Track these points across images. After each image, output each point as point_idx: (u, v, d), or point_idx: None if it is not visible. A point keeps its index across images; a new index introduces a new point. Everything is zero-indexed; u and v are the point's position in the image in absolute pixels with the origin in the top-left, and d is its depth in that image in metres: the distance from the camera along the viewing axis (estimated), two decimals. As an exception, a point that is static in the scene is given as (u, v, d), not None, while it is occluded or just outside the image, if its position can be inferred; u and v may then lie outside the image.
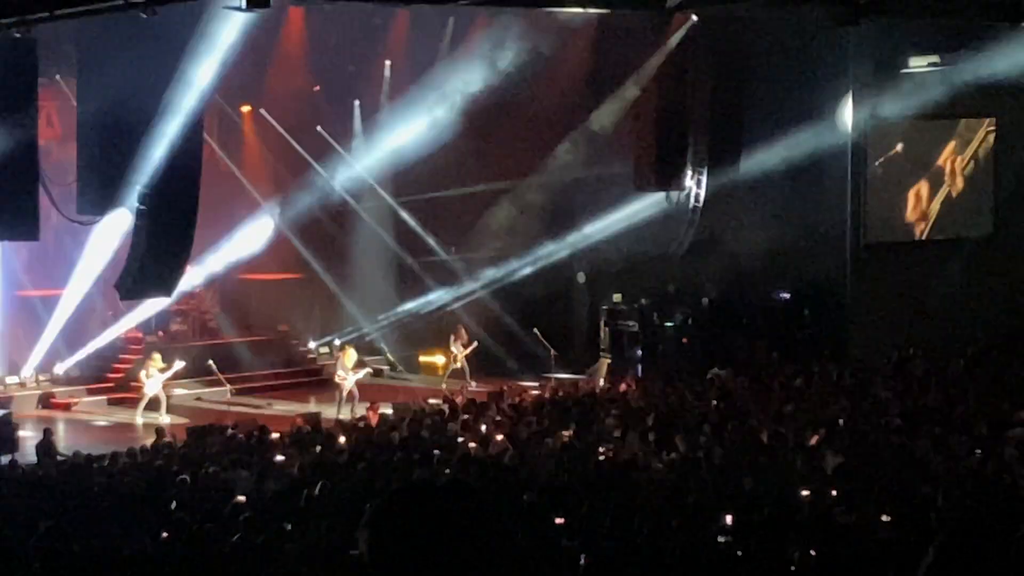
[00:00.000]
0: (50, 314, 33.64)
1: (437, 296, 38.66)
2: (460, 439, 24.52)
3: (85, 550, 15.11)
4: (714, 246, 36.45)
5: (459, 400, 29.59)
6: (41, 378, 33.82)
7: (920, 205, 37.23)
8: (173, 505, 18.76)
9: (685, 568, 13.60)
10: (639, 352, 38.19)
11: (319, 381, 35.53)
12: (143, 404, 31.50)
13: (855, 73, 34.95)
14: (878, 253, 36.47)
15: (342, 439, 24.72)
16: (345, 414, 30.58)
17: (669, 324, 38.54)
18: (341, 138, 37.98)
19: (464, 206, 37.98)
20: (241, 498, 19.08)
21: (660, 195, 35.94)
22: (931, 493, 18.32)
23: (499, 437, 24.42)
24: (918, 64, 34.94)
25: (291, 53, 36.36)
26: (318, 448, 23.79)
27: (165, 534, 16.52)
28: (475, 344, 35.66)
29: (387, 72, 37.84)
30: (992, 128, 37.69)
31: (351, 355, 32.68)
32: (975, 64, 33.93)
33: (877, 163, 36.19)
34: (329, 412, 30.41)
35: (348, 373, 32.11)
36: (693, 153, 34.54)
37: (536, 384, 32.23)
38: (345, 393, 32.00)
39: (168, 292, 28.93)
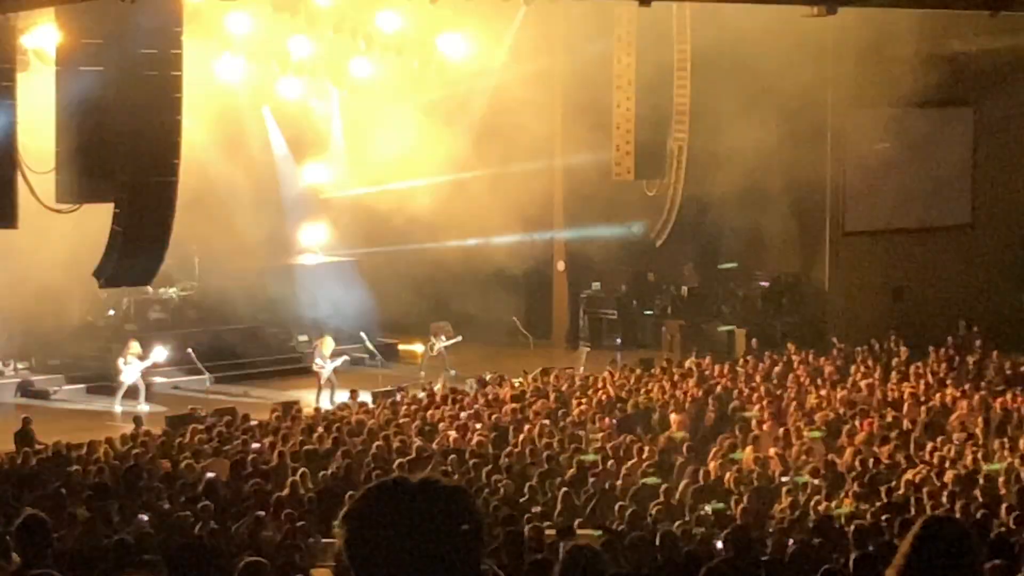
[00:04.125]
0: (29, 302, 33.51)
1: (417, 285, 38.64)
2: (439, 428, 24.55)
3: (64, 539, 15.08)
4: (693, 235, 36.49)
5: (439, 389, 29.60)
6: (19, 366, 33.71)
7: (897, 192, 37.33)
8: (152, 493, 18.74)
9: (665, 557, 13.62)
10: (618, 340, 38.27)
11: (298, 369, 35.44)
12: (121, 393, 31.40)
13: (835, 60, 35.00)
14: (857, 241, 36.56)
15: (321, 427, 24.69)
16: (324, 402, 30.54)
17: (648, 312, 38.62)
18: (320, 127, 37.94)
19: (442, 194, 37.94)
20: (218, 484, 19.09)
21: (639, 183, 35.93)
22: (912, 482, 18.41)
23: (478, 426, 24.46)
24: (897, 53, 34.98)
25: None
26: (297, 437, 23.77)
27: (144, 520, 16.49)
28: (459, 338, 35.58)
29: (369, 62, 37.79)
30: (971, 116, 37.80)
31: (329, 343, 32.55)
32: (954, 53, 34.01)
33: (856, 151, 36.27)
34: (308, 400, 30.36)
35: (326, 361, 32.02)
36: (673, 142, 34.52)
37: (515, 373, 32.17)
38: (323, 381, 31.93)
39: (147, 280, 28.87)
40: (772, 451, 21.44)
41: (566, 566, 7.53)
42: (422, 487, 3.77)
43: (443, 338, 35.24)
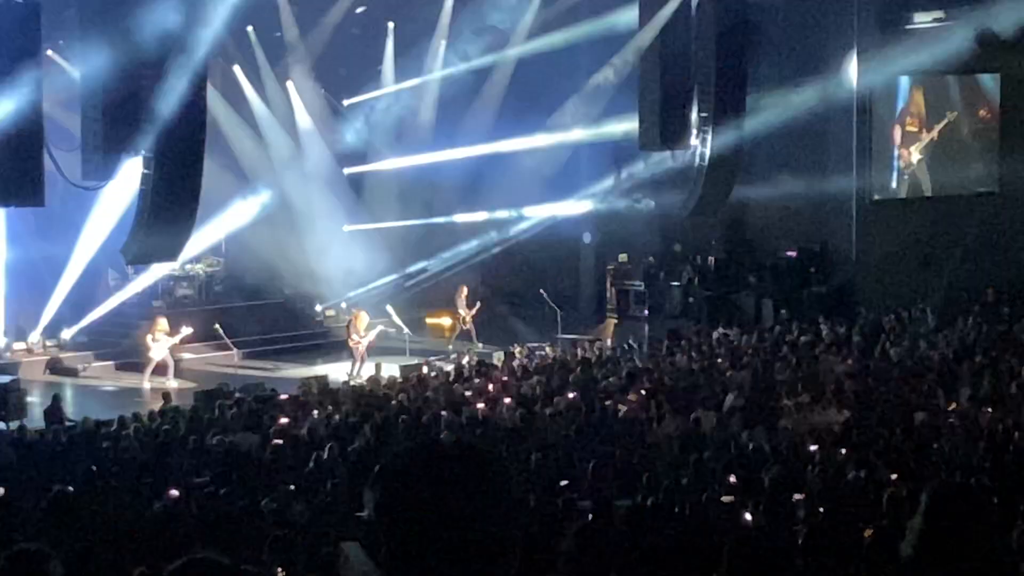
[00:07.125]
0: (57, 280, 33.62)
1: (443, 258, 38.59)
2: (468, 400, 24.54)
3: (94, 515, 15.14)
4: (720, 205, 36.37)
5: (466, 362, 29.57)
6: (48, 343, 33.80)
7: (923, 161, 37.16)
8: (182, 469, 18.79)
9: (693, 525, 13.60)
10: (645, 312, 38.23)
11: (326, 344, 35.48)
12: (150, 369, 31.46)
13: (860, 29, 34.83)
14: (884, 210, 36.40)
15: (349, 401, 24.72)
16: (356, 376, 30.52)
17: (675, 284, 38.55)
18: (345, 98, 37.96)
19: (470, 168, 37.90)
20: (248, 459, 19.13)
21: (665, 154, 35.81)
22: (941, 450, 18.33)
23: (507, 399, 24.43)
24: (922, 19, 34.79)
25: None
26: (326, 410, 23.80)
27: (174, 495, 16.53)
28: (479, 304, 35.56)
29: (390, 33, 37.80)
30: (996, 83, 37.58)
31: (364, 318, 32.45)
32: (980, 19, 33.78)
33: (882, 119, 36.11)
34: (336, 375, 30.37)
35: (363, 337, 31.90)
36: (698, 111, 34.38)
37: (543, 345, 32.17)
38: (357, 356, 31.84)
39: (174, 257, 28.95)
40: (799, 419, 21.41)
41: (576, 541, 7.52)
42: (457, 450, 3.75)
43: (466, 306, 35.16)
